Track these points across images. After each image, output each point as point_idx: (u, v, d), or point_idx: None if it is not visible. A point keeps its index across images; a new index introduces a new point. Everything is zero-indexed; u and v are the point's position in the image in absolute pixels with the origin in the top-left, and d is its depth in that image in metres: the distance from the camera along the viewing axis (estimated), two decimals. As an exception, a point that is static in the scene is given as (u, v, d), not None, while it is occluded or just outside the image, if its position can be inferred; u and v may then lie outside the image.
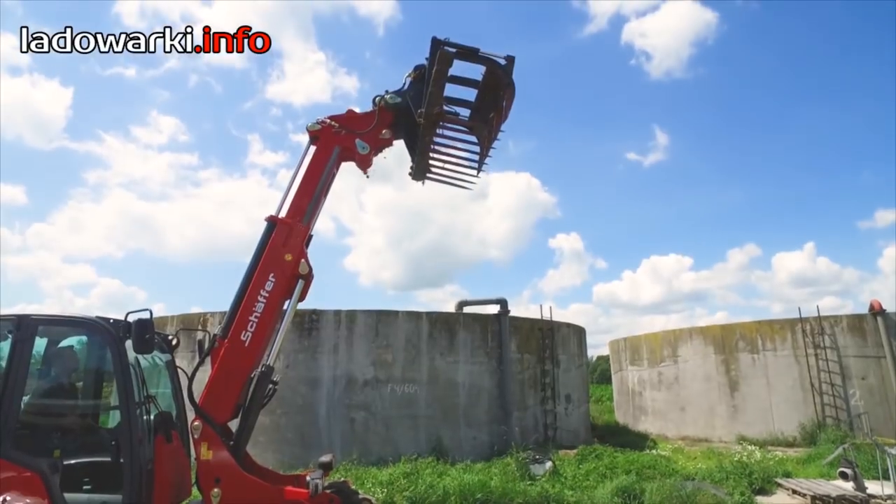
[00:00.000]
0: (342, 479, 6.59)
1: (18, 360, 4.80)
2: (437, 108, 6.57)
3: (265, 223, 6.01)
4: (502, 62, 6.30)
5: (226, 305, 5.88)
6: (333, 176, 6.45)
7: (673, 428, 18.88)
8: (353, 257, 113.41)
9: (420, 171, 7.42)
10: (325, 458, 5.87)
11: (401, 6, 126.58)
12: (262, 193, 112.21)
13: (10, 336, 4.88)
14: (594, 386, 36.21)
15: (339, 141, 6.39)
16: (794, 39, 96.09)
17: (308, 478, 5.39)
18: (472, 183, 7.63)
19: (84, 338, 5.45)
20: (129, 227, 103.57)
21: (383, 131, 6.63)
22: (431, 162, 7.38)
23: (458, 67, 6.41)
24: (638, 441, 16.54)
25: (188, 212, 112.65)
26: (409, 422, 12.41)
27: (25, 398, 4.86)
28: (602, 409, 27.58)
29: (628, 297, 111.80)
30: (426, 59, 6.53)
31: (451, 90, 6.66)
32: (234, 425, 5.71)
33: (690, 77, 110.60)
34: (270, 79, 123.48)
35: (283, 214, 6.02)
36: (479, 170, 7.42)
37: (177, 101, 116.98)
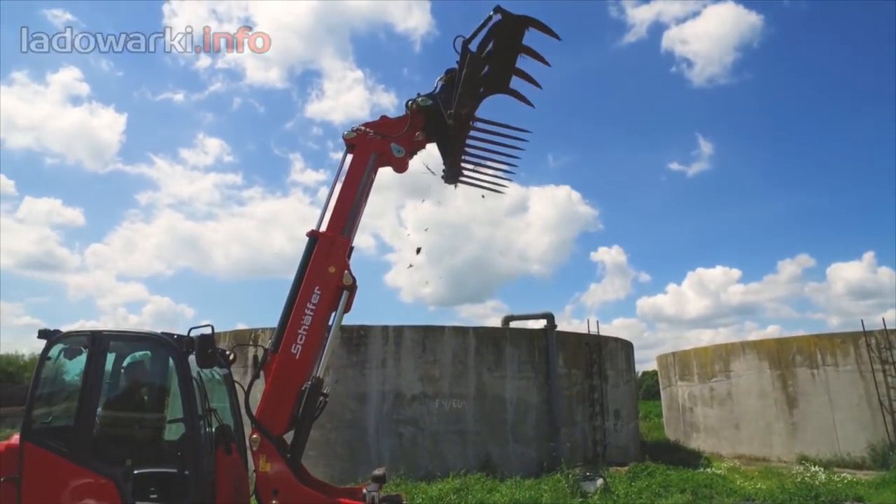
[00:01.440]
0: (395, 493, 6.61)
1: (93, 373, 5.06)
2: (466, 110, 6.63)
3: (307, 238, 6.17)
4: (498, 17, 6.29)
5: (272, 321, 6.04)
6: (372, 182, 6.57)
7: (727, 446, 18.17)
8: (393, 274, 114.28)
9: (452, 174, 7.48)
10: (379, 472, 5.92)
11: (437, 22, 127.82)
12: (304, 211, 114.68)
13: (84, 351, 5.15)
14: (641, 402, 35.25)
15: (375, 146, 6.50)
16: (845, 39, 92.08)
17: (364, 491, 5.43)
18: (504, 186, 7.68)
19: (149, 352, 5.69)
20: (178, 246, 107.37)
21: (417, 133, 6.72)
22: (464, 165, 7.45)
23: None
24: (690, 459, 15.99)
25: (233, 230, 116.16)
26: (456, 437, 12.35)
27: (98, 410, 5.11)
28: (650, 425, 26.80)
29: (674, 310, 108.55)
30: (457, 62, 6.62)
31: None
32: (288, 438, 5.83)
33: (735, 83, 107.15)
34: (310, 98, 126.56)
35: (323, 227, 6.17)
36: (526, 132, 7.27)
37: (222, 123, 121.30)
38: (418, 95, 6.73)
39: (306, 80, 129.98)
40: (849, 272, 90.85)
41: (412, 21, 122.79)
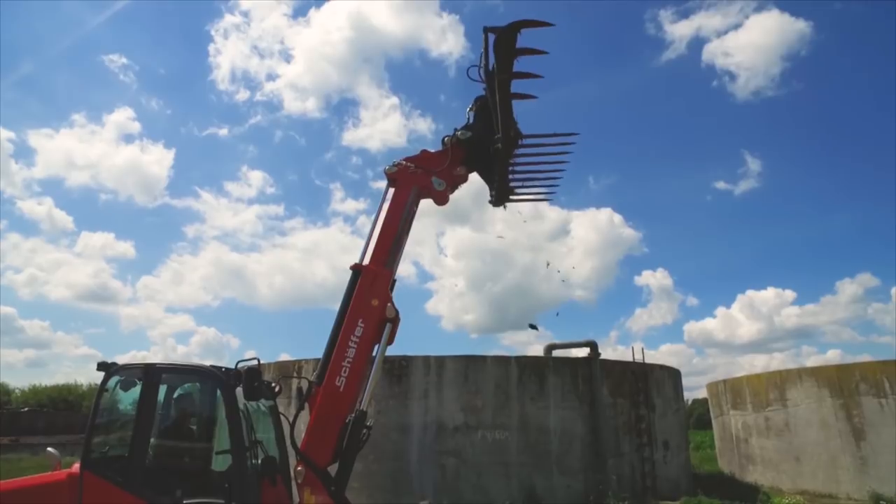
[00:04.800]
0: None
1: (146, 405, 5.26)
2: (513, 131, 6.70)
3: (350, 271, 6.27)
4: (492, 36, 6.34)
5: (314, 352, 6.16)
6: (413, 215, 6.68)
7: (787, 480, 17.16)
8: (434, 302, 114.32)
9: (501, 196, 7.54)
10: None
11: (471, 46, 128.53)
12: (345, 241, 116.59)
13: (138, 383, 5.36)
14: (692, 432, 33.80)
15: (417, 180, 6.64)
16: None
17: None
18: (554, 192, 7.82)
19: (199, 385, 5.87)
20: (223, 277, 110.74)
21: (458, 168, 6.85)
22: (513, 184, 7.49)
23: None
24: (747, 493, 15.14)
25: (276, 261, 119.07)
26: (500, 469, 12.12)
27: (151, 440, 5.29)
28: (702, 456, 25.63)
29: (724, 335, 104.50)
30: (484, 90, 6.72)
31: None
32: (332, 470, 5.85)
33: (783, 94, 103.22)
34: (347, 126, 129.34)
35: (366, 261, 6.27)
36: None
37: (264, 156, 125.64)
38: (456, 130, 6.86)
39: (343, 108, 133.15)
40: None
41: (446, 46, 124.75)
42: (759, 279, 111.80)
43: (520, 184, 7.61)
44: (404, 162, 6.71)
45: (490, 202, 7.64)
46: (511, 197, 7.63)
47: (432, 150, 6.96)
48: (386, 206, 6.57)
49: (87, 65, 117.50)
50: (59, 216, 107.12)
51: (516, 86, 6.64)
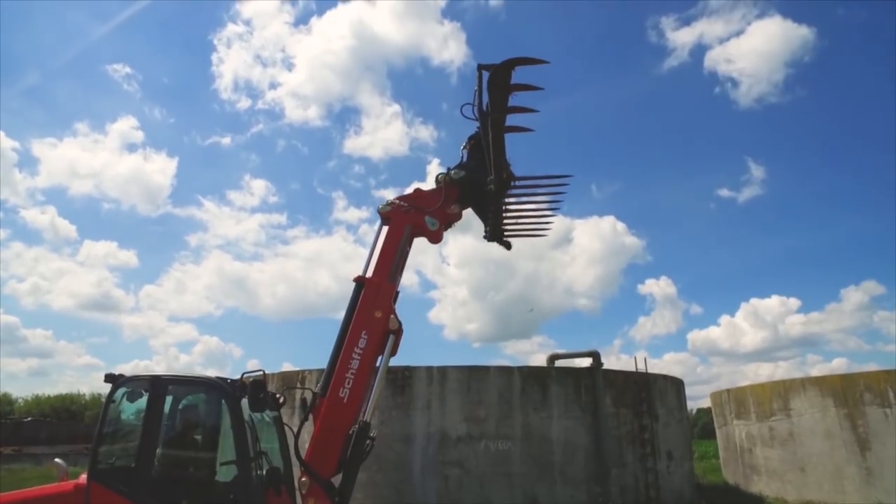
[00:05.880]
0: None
1: (153, 416, 5.33)
2: (505, 173, 6.78)
3: (354, 284, 6.36)
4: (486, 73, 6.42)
5: (317, 362, 6.22)
6: (407, 253, 6.75)
7: (792, 490, 17.05)
8: (437, 311, 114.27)
9: (495, 233, 7.62)
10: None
11: (473, 53, 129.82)
12: (347, 249, 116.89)
13: (145, 394, 5.43)
14: (697, 442, 33.58)
15: (410, 219, 6.71)
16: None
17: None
18: (547, 228, 7.83)
19: (204, 396, 5.94)
20: (226, 286, 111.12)
21: (451, 206, 6.90)
22: (506, 222, 7.59)
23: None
24: (752, 504, 15.10)
25: (279, 270, 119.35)
26: (503, 479, 12.11)
27: (157, 451, 5.35)
28: (707, 466, 25.46)
29: (728, 344, 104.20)
30: (477, 128, 6.80)
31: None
32: (336, 481, 5.89)
33: (787, 101, 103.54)
34: (348, 134, 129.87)
35: (369, 273, 6.35)
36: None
37: (266, 165, 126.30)
38: (448, 169, 6.95)
39: (344, 116, 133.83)
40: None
41: (448, 53, 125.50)
42: (764, 287, 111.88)
43: (514, 221, 7.73)
44: (397, 201, 6.78)
45: (484, 237, 7.74)
46: (505, 234, 7.75)
47: (426, 189, 7.03)
48: (380, 244, 6.64)
49: (90, 74, 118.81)
50: (63, 225, 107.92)
51: (512, 119, 6.74)
